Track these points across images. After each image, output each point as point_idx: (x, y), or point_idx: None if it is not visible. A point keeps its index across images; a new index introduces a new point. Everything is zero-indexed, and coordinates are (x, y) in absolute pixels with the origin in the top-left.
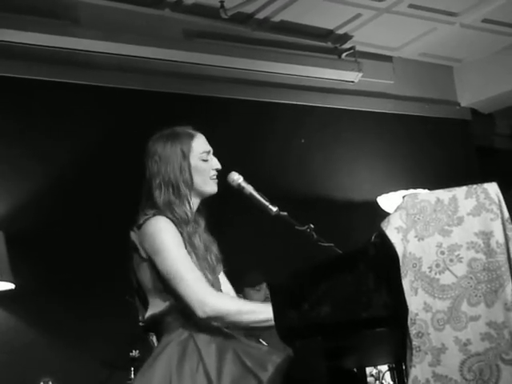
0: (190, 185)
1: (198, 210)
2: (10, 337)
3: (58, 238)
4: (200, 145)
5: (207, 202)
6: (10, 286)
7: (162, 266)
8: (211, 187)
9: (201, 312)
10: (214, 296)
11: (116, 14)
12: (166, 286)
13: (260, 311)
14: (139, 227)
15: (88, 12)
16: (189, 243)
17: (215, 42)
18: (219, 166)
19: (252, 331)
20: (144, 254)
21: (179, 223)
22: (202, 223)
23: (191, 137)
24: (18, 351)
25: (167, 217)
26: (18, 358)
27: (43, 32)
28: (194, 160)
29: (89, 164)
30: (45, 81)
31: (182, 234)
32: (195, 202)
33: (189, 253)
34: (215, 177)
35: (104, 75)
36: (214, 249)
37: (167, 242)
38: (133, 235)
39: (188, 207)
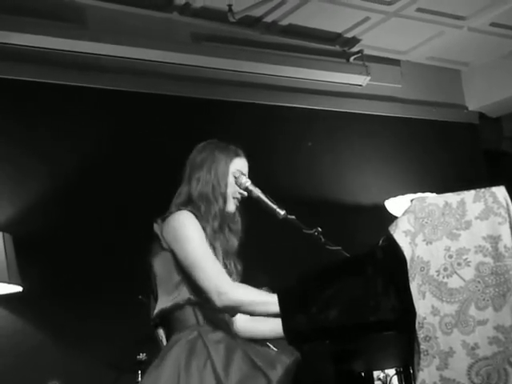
0: (224, 191)
1: (235, 230)
2: (18, 339)
3: (65, 241)
4: (239, 163)
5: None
6: (18, 288)
7: (183, 255)
8: (230, 205)
9: (218, 301)
10: (231, 286)
11: (123, 17)
12: (180, 279)
13: (274, 302)
14: (163, 220)
15: (96, 15)
16: (211, 237)
17: (223, 45)
18: (245, 193)
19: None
20: (165, 245)
21: (207, 217)
22: (233, 242)
23: (236, 154)
24: (25, 354)
25: (191, 212)
26: (25, 360)
27: (51, 35)
28: (230, 172)
29: (96, 167)
30: (52, 84)
31: (204, 228)
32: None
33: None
34: (237, 199)
35: (111, 78)
36: (237, 263)
37: (190, 233)
38: (156, 227)
39: (220, 206)
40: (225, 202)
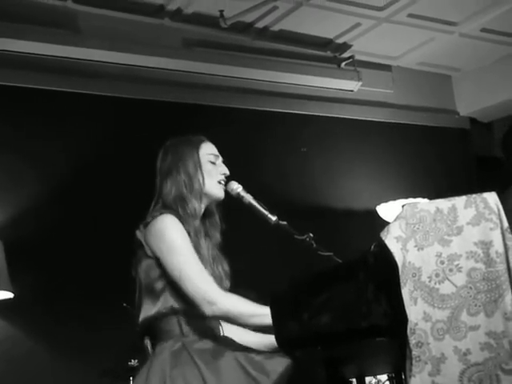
0: (202, 183)
1: (211, 221)
2: (9, 346)
3: (57, 247)
4: (208, 148)
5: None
6: (9, 295)
7: (169, 263)
8: (218, 191)
9: (208, 310)
10: (222, 295)
11: (116, 23)
12: (163, 287)
13: (267, 315)
14: (145, 225)
15: (88, 21)
16: (194, 241)
17: (215, 51)
18: (227, 172)
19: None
20: (149, 252)
21: (187, 219)
22: (216, 237)
23: (201, 141)
24: (16, 360)
25: (174, 215)
26: (16, 367)
27: (43, 41)
28: (203, 160)
29: (88, 172)
30: (45, 90)
31: (189, 232)
32: (202, 205)
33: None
34: (223, 182)
35: (103, 84)
36: (224, 264)
37: (175, 239)
38: (138, 233)
39: (197, 204)
40: (201, 198)
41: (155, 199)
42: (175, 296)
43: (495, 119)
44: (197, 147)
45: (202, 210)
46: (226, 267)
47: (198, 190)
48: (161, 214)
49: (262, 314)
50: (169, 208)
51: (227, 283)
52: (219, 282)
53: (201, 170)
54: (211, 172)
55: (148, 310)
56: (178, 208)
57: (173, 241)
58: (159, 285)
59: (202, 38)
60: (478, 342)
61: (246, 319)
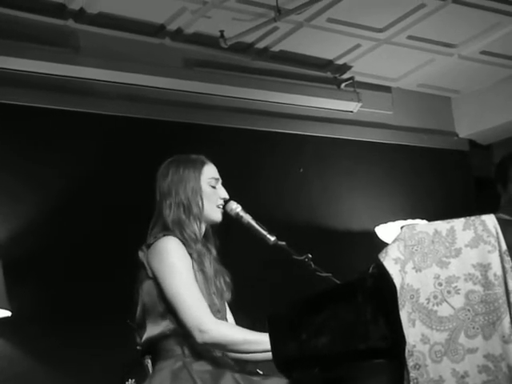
0: (201, 207)
1: (208, 238)
2: (5, 365)
3: (55, 266)
4: (210, 171)
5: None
6: (7, 313)
7: (167, 287)
8: (216, 215)
9: (199, 338)
10: (214, 323)
11: (116, 42)
12: (166, 308)
13: (258, 342)
14: (148, 246)
15: (88, 40)
16: (198, 262)
17: (215, 71)
18: (226, 196)
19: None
20: (150, 274)
21: (188, 242)
22: (214, 252)
23: (203, 163)
24: (13, 379)
25: (177, 237)
26: None
27: (43, 59)
28: (204, 184)
29: (86, 190)
30: (44, 108)
31: (191, 255)
32: (202, 227)
33: (197, 272)
34: (221, 206)
35: (103, 103)
36: (225, 276)
37: (175, 262)
38: (141, 254)
39: (197, 227)
40: (200, 221)
41: (155, 217)
42: (178, 318)
43: (494, 142)
44: (199, 170)
45: (203, 232)
46: (228, 279)
47: (197, 214)
48: (164, 235)
49: (254, 341)
50: (169, 230)
51: (228, 295)
52: (220, 295)
53: (200, 194)
54: (211, 196)
55: (152, 330)
56: (177, 233)
57: (173, 264)
58: (161, 306)
59: (202, 58)
60: (476, 365)
61: (237, 347)
